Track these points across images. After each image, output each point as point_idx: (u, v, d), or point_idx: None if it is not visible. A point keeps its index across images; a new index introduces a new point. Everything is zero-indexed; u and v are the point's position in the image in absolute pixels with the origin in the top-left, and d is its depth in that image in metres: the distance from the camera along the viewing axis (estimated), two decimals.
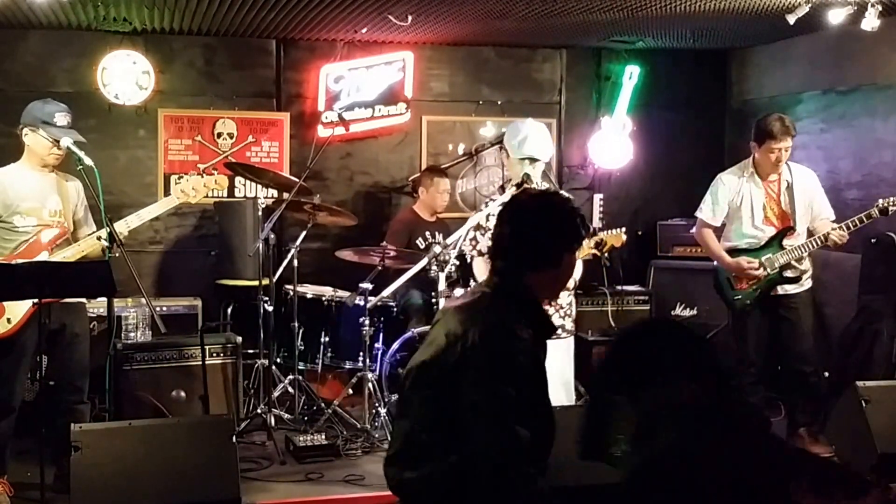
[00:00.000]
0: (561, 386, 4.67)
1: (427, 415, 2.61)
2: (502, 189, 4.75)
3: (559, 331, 4.66)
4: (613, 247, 4.82)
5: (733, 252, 5.27)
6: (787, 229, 5.18)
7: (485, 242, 4.75)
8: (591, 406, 1.79)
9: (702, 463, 1.52)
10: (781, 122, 5.11)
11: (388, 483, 2.74)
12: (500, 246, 2.75)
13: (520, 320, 2.60)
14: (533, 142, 4.63)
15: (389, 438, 2.80)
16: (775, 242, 5.18)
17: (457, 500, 2.55)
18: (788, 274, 5.16)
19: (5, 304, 4.41)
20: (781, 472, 1.52)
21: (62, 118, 4.56)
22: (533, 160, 4.63)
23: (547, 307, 4.29)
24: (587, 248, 4.68)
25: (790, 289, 5.21)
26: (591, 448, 1.77)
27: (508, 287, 2.68)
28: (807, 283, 5.25)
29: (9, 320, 4.43)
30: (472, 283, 4.84)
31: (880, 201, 4.84)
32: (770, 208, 5.23)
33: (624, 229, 4.86)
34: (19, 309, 4.42)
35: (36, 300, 4.24)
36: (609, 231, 4.81)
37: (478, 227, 4.84)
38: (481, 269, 4.76)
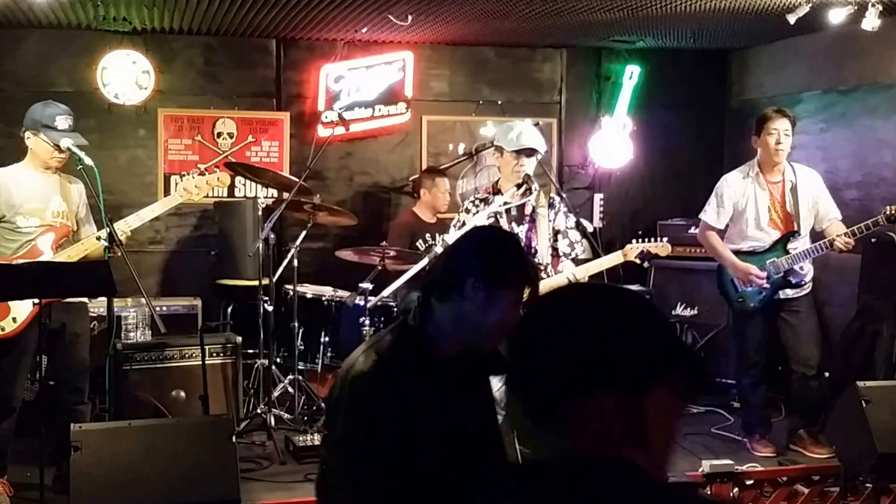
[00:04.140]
0: None
1: (325, 451, 2.45)
2: (497, 191, 4.71)
3: None
4: (657, 255, 4.83)
5: (737, 254, 5.25)
6: (791, 233, 5.16)
7: None
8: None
9: None
10: (775, 108, 5.24)
11: None
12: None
13: (414, 367, 2.26)
14: (528, 134, 4.62)
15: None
16: (780, 246, 5.16)
17: None
18: (792, 279, 5.15)
19: (11, 303, 4.41)
20: None
21: (63, 121, 4.55)
22: (531, 152, 4.60)
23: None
24: (631, 256, 4.68)
25: (791, 293, 5.20)
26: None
27: (413, 320, 2.33)
28: (808, 287, 5.24)
29: (14, 319, 4.44)
30: None
31: (888, 208, 4.81)
32: (774, 210, 5.21)
33: (666, 239, 4.85)
34: (24, 308, 4.43)
35: (37, 300, 4.25)
36: (653, 242, 4.79)
37: None
38: None
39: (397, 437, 2.19)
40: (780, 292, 5.19)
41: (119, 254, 4.41)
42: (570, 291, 1.51)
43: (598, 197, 7.34)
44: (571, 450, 1.28)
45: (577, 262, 4.74)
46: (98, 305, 5.51)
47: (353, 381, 2.26)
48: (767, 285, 5.13)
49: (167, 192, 6.57)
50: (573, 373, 1.28)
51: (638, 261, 4.76)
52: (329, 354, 5.87)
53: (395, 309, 5.87)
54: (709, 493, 4.34)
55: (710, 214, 5.34)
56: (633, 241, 4.76)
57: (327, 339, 5.85)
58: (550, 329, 1.33)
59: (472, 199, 4.85)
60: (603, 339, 1.30)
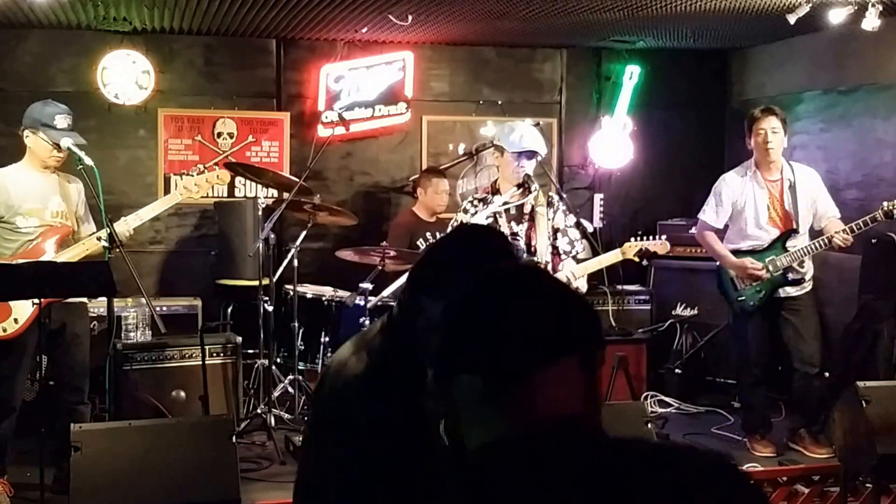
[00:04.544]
0: None
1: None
2: (495, 190, 4.71)
3: None
4: (656, 253, 4.83)
5: (736, 254, 5.26)
6: (790, 231, 5.17)
7: None
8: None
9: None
10: (762, 107, 5.24)
11: None
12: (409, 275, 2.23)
13: (405, 368, 2.03)
14: (530, 136, 4.62)
15: None
16: (779, 244, 5.17)
17: None
18: (791, 276, 5.16)
19: (12, 304, 4.41)
20: None
21: (62, 120, 4.55)
22: (532, 154, 4.61)
23: None
24: (630, 255, 4.68)
25: (792, 291, 5.21)
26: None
27: (402, 321, 2.16)
28: (808, 286, 5.24)
29: (16, 320, 4.44)
30: None
31: (885, 204, 4.82)
32: (773, 209, 5.22)
33: (665, 237, 4.86)
34: (25, 309, 4.43)
35: (37, 300, 4.25)
36: (651, 239, 4.79)
37: None
38: None
39: (391, 442, 2.05)
40: (781, 291, 5.20)
41: (119, 252, 4.41)
42: (495, 272, 1.47)
43: (598, 197, 7.33)
44: (525, 424, 1.28)
45: (577, 260, 4.74)
46: (98, 305, 5.50)
47: (344, 385, 2.12)
48: (767, 275, 5.13)
49: (167, 192, 6.55)
50: (541, 342, 1.30)
51: (637, 259, 4.77)
52: (329, 354, 5.86)
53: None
54: None
55: (709, 214, 5.34)
56: (632, 239, 4.76)
57: (327, 339, 5.85)
58: (503, 306, 1.34)
59: (470, 199, 4.85)
60: (557, 309, 1.35)
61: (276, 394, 5.72)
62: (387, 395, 2.04)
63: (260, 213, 5.84)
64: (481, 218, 4.61)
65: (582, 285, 4.73)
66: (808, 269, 5.23)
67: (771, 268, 5.14)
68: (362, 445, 2.04)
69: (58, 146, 4.51)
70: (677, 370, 6.47)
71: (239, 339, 5.48)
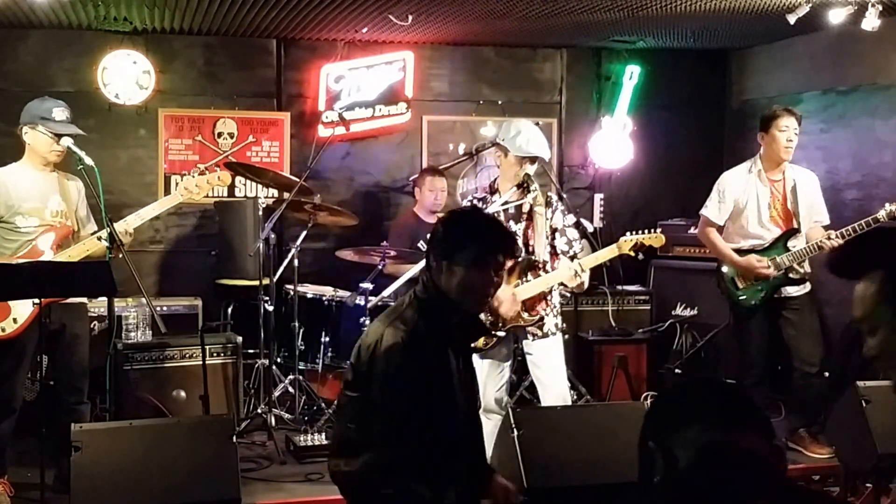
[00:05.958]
0: (557, 384, 4.65)
1: (353, 414, 2.87)
2: (494, 190, 4.71)
3: (552, 328, 4.64)
4: (651, 247, 4.81)
5: (737, 252, 5.25)
6: (792, 230, 5.16)
7: None
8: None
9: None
10: (783, 106, 5.25)
11: (329, 472, 2.98)
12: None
13: (430, 325, 2.76)
14: (537, 140, 4.62)
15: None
16: (780, 244, 5.17)
17: (374, 494, 2.79)
18: (793, 276, 5.16)
19: (11, 304, 4.41)
20: None
21: (60, 113, 4.55)
22: (535, 159, 4.61)
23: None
24: (625, 249, 4.67)
25: (792, 291, 5.21)
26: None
27: (425, 289, 2.83)
28: (807, 285, 5.24)
29: (14, 320, 4.43)
30: None
31: (887, 206, 4.80)
32: (773, 208, 5.22)
33: (660, 230, 4.85)
34: (25, 309, 4.42)
35: (37, 300, 4.25)
36: (646, 233, 4.77)
37: None
38: None
39: (426, 397, 2.68)
40: (781, 290, 5.20)
41: (120, 255, 4.41)
42: None
43: (598, 197, 7.34)
44: None
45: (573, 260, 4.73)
46: (98, 305, 5.51)
47: (386, 352, 2.71)
48: (773, 273, 5.12)
49: (168, 192, 6.56)
50: None
51: (632, 253, 4.75)
52: (329, 354, 5.87)
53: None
54: None
55: (712, 210, 5.33)
56: (627, 234, 4.74)
57: (328, 339, 5.85)
58: None
59: (469, 198, 4.86)
60: None
61: (276, 394, 5.72)
62: (422, 358, 2.72)
63: (260, 212, 5.84)
64: None
65: (585, 280, 4.72)
66: (807, 269, 5.23)
67: (773, 267, 5.13)
68: (403, 395, 2.68)
69: (58, 139, 4.50)
70: (677, 370, 6.47)
71: (239, 338, 5.48)
